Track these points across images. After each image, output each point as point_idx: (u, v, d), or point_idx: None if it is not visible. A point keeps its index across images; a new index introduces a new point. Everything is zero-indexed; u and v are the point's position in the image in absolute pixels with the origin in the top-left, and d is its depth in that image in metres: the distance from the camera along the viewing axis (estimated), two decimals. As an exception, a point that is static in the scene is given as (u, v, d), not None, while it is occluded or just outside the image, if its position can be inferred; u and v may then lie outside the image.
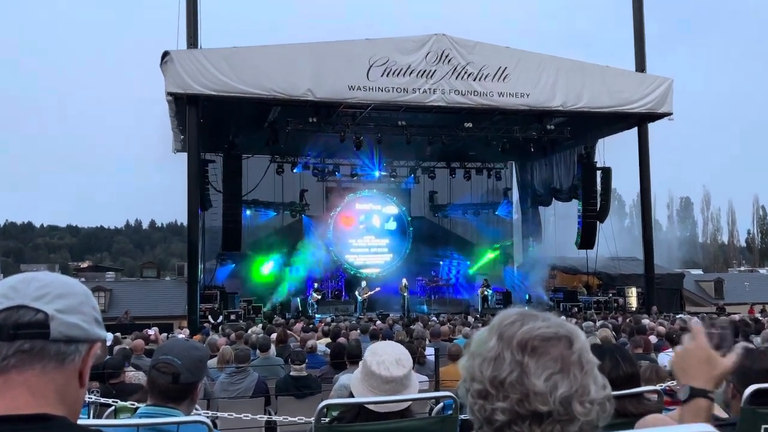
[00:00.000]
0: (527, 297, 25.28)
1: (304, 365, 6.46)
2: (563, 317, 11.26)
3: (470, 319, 16.31)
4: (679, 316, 16.53)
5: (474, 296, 25.28)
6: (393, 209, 27.69)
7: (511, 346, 1.09)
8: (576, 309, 21.49)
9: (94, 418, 3.88)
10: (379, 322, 15.59)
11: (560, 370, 1.07)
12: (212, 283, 22.94)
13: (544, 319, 1.13)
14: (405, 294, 23.55)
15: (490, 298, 24.83)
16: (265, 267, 25.02)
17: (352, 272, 26.44)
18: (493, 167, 27.98)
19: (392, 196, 27.64)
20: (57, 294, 1.08)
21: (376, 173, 26.45)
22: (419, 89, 19.05)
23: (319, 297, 23.59)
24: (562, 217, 26.69)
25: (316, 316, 21.54)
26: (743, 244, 70.10)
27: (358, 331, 10.94)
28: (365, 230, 27.36)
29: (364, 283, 24.21)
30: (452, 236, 28.82)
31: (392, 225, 27.44)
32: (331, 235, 26.39)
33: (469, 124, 20.81)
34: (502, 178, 28.53)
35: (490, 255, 28.06)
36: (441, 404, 3.21)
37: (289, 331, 11.13)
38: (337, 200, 26.67)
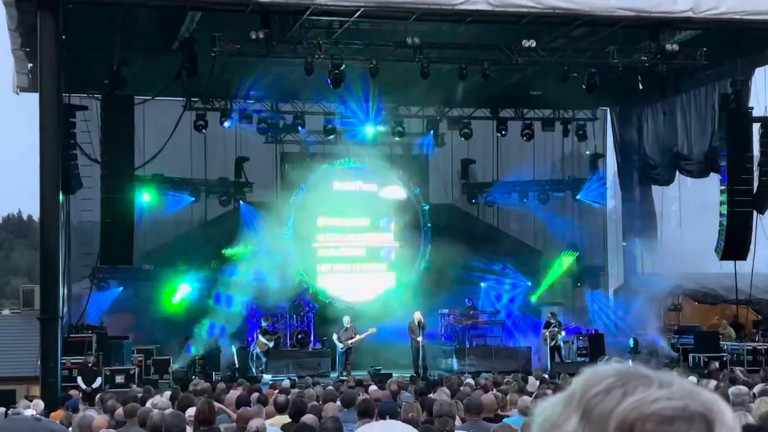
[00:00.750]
0: (631, 343, 25.36)
1: (244, 463, 6.48)
2: (693, 378, 11.17)
3: (532, 381, 16.24)
4: None
5: (539, 342, 25.37)
6: (398, 191, 27.70)
7: (607, 431, 1.12)
8: (717, 364, 21.52)
9: None
10: (373, 387, 15.57)
11: None
12: (84, 320, 23.01)
13: (661, 384, 1.15)
14: (419, 338, 23.54)
15: (563, 345, 24.75)
16: (177, 293, 25.17)
17: (326, 301, 26.49)
18: (572, 118, 27.98)
19: (397, 168, 27.65)
20: None
21: (369, 129, 26.43)
22: (444, -18, 18.99)
23: (270, 344, 23.68)
24: (692, 205, 26.73)
25: (265, 377, 21.68)
26: None
27: (338, 403, 10.96)
28: (350, 228, 27.36)
29: (347, 320, 24.18)
30: (502, 238, 28.89)
31: (396, 219, 27.46)
32: (290, 235, 26.38)
33: (531, 43, 20.79)
34: (589, 136, 28.58)
35: (566, 262, 28.22)
36: None
37: (217, 404, 11.12)
38: (300, 176, 26.68)
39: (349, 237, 27.61)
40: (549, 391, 12.51)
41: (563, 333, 24.77)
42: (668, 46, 21.02)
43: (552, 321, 24.89)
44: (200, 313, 24.75)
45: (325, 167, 27.09)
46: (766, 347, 23.75)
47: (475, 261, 27.49)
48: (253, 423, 8.80)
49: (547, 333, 24.63)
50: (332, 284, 27.10)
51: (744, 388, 11.38)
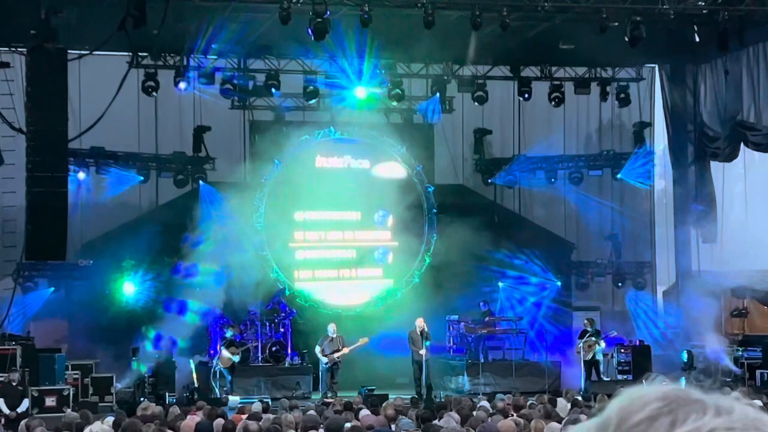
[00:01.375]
0: (684, 357, 25.62)
1: None
2: (759, 402, 10.99)
3: (561, 404, 16.70)
4: None
5: (571, 355, 25.58)
6: (396, 169, 27.98)
7: None
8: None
9: None
10: (365, 411, 15.87)
11: None
12: (5, 329, 23.19)
13: (718, 411, 1.21)
14: (422, 351, 23.76)
15: (602, 359, 24.94)
16: (123, 294, 25.24)
17: (306, 305, 26.71)
18: (612, 78, 28.08)
19: (394, 142, 27.76)
20: None
21: (360, 91, 26.45)
22: None
23: (236, 359, 23.91)
24: (760, 186, 26.78)
25: (231, 399, 21.95)
26: None
27: (322, 431, 11.52)
28: (336, 223, 27.61)
29: (332, 329, 24.34)
30: (524, 226, 29.12)
31: (394, 204, 27.44)
32: (261, 225, 26.53)
33: (561, -14, 21.09)
34: (633, 100, 28.60)
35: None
36: None
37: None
38: (273, 149, 26.77)
39: (334, 234, 27.79)
40: (583, 417, 13.04)
41: (602, 344, 24.86)
42: (731, -12, 21.21)
43: (588, 329, 25.03)
44: (150, 319, 24.99)
45: (305, 139, 27.21)
46: None
47: (491, 255, 27.66)
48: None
49: (582, 344, 24.73)
50: (312, 286, 27.42)
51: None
